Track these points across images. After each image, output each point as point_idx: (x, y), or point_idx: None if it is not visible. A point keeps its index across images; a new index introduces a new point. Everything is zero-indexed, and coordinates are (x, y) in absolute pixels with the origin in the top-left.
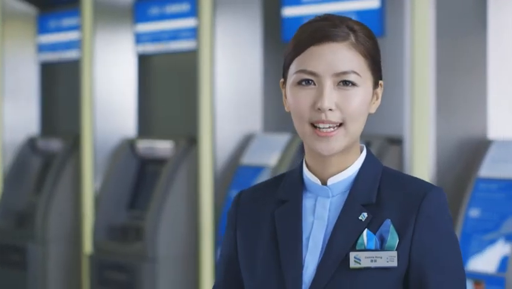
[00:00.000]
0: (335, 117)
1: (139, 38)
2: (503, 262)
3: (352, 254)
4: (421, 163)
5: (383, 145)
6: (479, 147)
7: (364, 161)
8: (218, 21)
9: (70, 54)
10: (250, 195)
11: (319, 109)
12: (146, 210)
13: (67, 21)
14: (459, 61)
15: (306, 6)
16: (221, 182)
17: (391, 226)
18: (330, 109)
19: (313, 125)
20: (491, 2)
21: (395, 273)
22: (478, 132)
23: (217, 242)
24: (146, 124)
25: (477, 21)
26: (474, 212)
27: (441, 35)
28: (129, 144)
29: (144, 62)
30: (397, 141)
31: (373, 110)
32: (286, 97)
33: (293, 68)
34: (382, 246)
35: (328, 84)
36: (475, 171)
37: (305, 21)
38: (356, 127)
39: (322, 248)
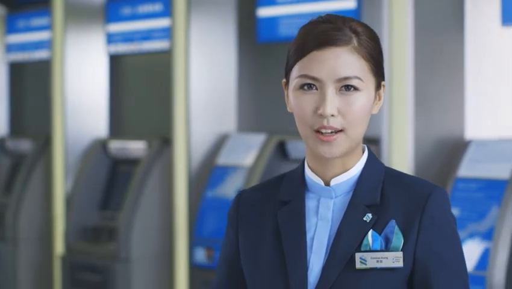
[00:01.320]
0: (336, 123)
1: (111, 38)
2: (483, 261)
3: (358, 255)
4: (400, 163)
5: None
6: (456, 147)
7: (366, 161)
8: (193, 22)
9: (40, 54)
10: (251, 196)
11: (321, 115)
12: (119, 210)
13: (37, 21)
14: (436, 61)
15: (282, 7)
16: (196, 182)
17: (396, 227)
18: (332, 115)
19: (316, 130)
20: (468, 4)
21: (400, 273)
22: (456, 132)
23: (192, 243)
24: (118, 125)
25: (455, 21)
26: (454, 212)
27: (419, 35)
28: (101, 145)
29: (116, 62)
30: (375, 141)
31: (375, 111)
32: (288, 98)
33: (295, 71)
34: (387, 247)
35: (330, 90)
36: (454, 171)
37: (308, 21)
38: (358, 131)
39: (327, 249)
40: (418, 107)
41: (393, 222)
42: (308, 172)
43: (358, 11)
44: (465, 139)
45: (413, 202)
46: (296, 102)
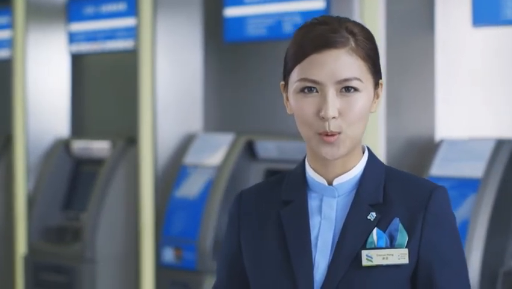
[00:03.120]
0: (337, 126)
1: (73, 38)
2: None
3: (364, 253)
4: None
5: None
6: (427, 147)
7: (367, 161)
8: (159, 21)
9: (1, 53)
10: (252, 196)
11: (323, 117)
12: (83, 211)
13: None
14: (407, 61)
15: (249, 7)
16: (163, 182)
17: (400, 225)
18: (334, 117)
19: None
20: (439, 5)
21: (405, 270)
22: (426, 132)
23: (160, 242)
24: (80, 125)
25: (425, 22)
26: None
27: (390, 35)
28: (63, 145)
29: (79, 61)
30: None
31: (374, 109)
32: (288, 100)
33: (294, 75)
34: (391, 244)
35: (331, 92)
36: (426, 170)
37: (303, 23)
38: (359, 131)
39: (332, 247)
40: (389, 107)
41: (396, 220)
42: (310, 172)
43: (326, 11)
44: (436, 139)
45: (415, 200)
46: (297, 105)
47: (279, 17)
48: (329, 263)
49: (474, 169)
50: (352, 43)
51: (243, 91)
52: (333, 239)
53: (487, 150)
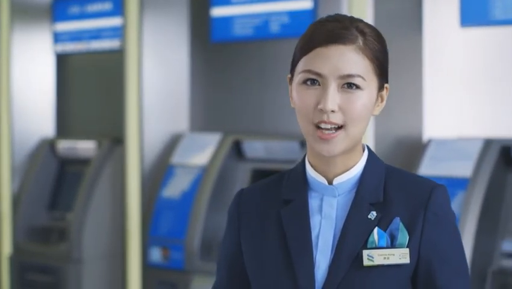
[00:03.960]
0: (337, 118)
1: (58, 37)
2: None
3: (365, 252)
4: None
5: None
6: (415, 146)
7: (367, 160)
8: (145, 21)
9: None
10: (252, 195)
11: (322, 110)
12: (68, 211)
13: None
14: (395, 62)
15: (236, 7)
16: (150, 182)
17: (401, 224)
18: (332, 111)
19: (316, 126)
20: (427, 5)
21: (406, 269)
22: (414, 132)
23: (147, 242)
24: (66, 125)
25: (413, 23)
26: None
27: None
28: (49, 144)
29: (64, 61)
30: None
31: (376, 112)
32: (292, 93)
33: (300, 66)
34: (392, 244)
35: (332, 86)
36: (415, 169)
37: (317, 20)
38: (358, 130)
39: (332, 247)
40: None
41: (397, 219)
42: (310, 171)
43: (314, 11)
44: (424, 138)
45: (416, 199)
46: (299, 96)
47: (266, 17)
48: (330, 263)
49: (463, 168)
50: (360, 42)
51: (230, 91)
52: (333, 238)
53: (475, 149)
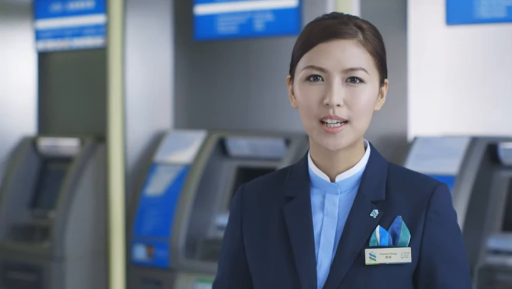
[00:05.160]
0: (342, 113)
1: (39, 35)
2: None
3: (367, 251)
4: None
5: (303, 142)
6: (401, 144)
7: (369, 157)
8: (129, 19)
9: None
10: (254, 191)
11: (327, 104)
12: (50, 209)
13: None
14: None
15: (219, 4)
16: (133, 180)
17: (403, 223)
18: (338, 105)
19: (321, 121)
20: (412, 3)
21: (408, 268)
22: (399, 129)
23: (131, 240)
24: (47, 123)
25: (399, 21)
26: None
27: None
28: (30, 142)
29: (45, 59)
30: None
31: (378, 108)
32: (293, 94)
33: (301, 64)
34: (394, 242)
35: (337, 80)
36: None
37: (314, 18)
38: (362, 123)
39: (334, 244)
40: None
41: (399, 218)
42: (313, 168)
43: (298, 9)
44: (409, 136)
45: (418, 198)
46: (302, 93)
47: (250, 15)
48: (332, 260)
49: (449, 166)
50: (360, 36)
51: (214, 89)
52: (336, 236)
53: (461, 147)
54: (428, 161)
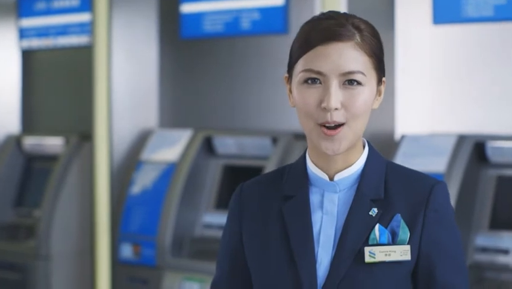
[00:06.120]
0: (340, 117)
1: (23, 33)
2: None
3: (367, 249)
4: None
5: (290, 141)
6: (387, 143)
7: (367, 156)
8: (114, 17)
9: None
10: (253, 190)
11: (325, 108)
12: (35, 207)
13: None
14: None
15: (206, 3)
16: (119, 179)
17: (402, 221)
18: (336, 108)
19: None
20: (399, 2)
21: (407, 266)
22: (386, 128)
23: (118, 239)
24: (32, 121)
25: (386, 20)
26: None
27: None
28: (15, 141)
29: (30, 57)
30: (303, 137)
31: (376, 106)
32: (291, 93)
33: (299, 66)
34: (393, 240)
35: (334, 84)
36: None
37: (311, 18)
38: (360, 125)
39: (334, 243)
40: None
41: (398, 216)
42: (311, 166)
43: (285, 8)
44: (397, 134)
45: (416, 196)
46: (300, 96)
47: (237, 14)
48: (331, 259)
49: (437, 164)
50: (358, 38)
51: (200, 87)
52: (335, 234)
53: (449, 145)
54: (416, 159)
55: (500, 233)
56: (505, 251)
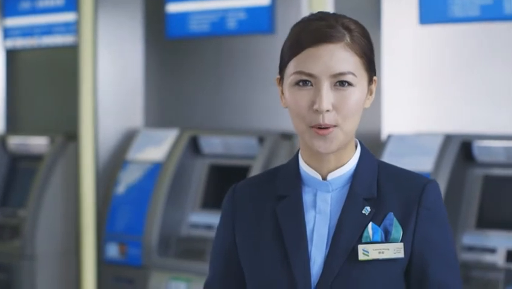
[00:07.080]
0: (331, 119)
1: (8, 33)
2: None
3: (361, 247)
4: None
5: (277, 141)
6: (374, 143)
7: (360, 156)
8: (100, 16)
9: None
10: (246, 190)
11: (317, 110)
12: (20, 207)
13: None
14: None
15: (192, 3)
16: (104, 178)
17: (395, 219)
18: (327, 110)
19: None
20: (386, 2)
21: (400, 263)
22: (373, 128)
23: (104, 238)
24: (16, 121)
25: (372, 19)
26: None
27: None
28: None
29: (14, 57)
30: (289, 137)
31: (367, 105)
32: (283, 94)
33: (290, 68)
34: (386, 238)
35: (325, 86)
36: None
37: (301, 19)
38: (352, 125)
39: (327, 241)
40: None
41: (391, 214)
42: (304, 166)
43: (271, 7)
44: (383, 134)
45: (408, 195)
46: (292, 98)
47: (223, 13)
48: (325, 257)
49: (424, 164)
50: (348, 39)
51: (186, 87)
52: (328, 233)
53: (436, 145)
54: (402, 159)
55: (487, 232)
56: (492, 250)
